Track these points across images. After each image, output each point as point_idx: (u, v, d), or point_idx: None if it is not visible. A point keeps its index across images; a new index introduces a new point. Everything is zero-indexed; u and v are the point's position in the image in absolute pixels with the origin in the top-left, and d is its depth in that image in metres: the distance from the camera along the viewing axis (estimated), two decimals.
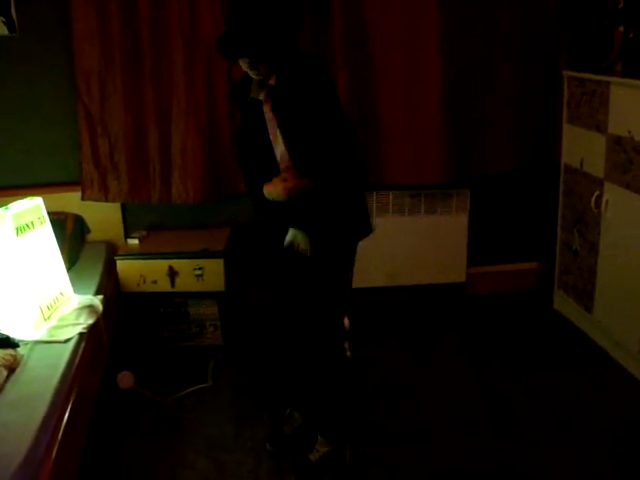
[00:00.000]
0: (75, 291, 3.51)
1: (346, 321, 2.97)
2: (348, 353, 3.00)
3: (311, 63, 2.66)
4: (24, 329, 3.10)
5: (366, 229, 2.93)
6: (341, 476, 3.03)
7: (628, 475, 2.96)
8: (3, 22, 3.98)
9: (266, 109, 2.70)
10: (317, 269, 2.83)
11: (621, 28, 3.64)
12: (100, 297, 3.54)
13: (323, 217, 2.74)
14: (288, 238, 2.89)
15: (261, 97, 2.68)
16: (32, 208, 3.31)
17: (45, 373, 2.78)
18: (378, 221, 4.44)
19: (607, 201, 3.80)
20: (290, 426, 3.31)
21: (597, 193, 3.88)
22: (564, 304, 4.41)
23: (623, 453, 3.09)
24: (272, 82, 2.61)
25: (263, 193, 2.63)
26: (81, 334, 3.17)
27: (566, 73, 4.19)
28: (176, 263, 4.03)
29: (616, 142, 3.68)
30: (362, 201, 2.91)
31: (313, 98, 2.57)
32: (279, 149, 2.74)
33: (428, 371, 3.86)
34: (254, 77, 2.63)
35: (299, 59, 2.62)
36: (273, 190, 2.58)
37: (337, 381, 2.97)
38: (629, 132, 3.56)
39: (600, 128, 3.82)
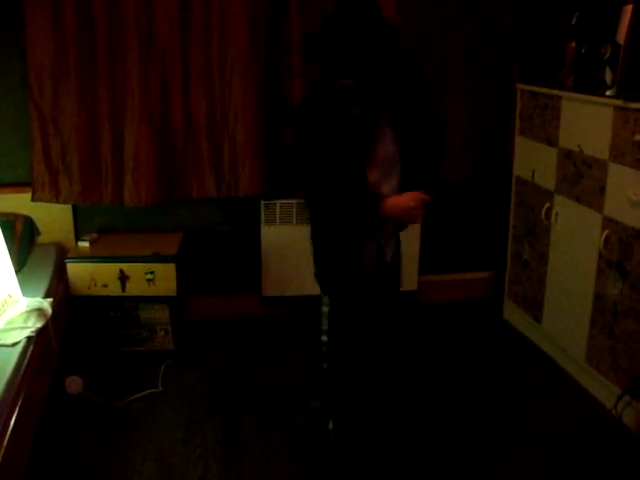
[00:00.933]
0: (24, 294, 3.45)
1: None
2: None
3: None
4: None
5: None
6: None
7: None
8: None
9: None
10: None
11: (573, 44, 3.70)
12: (49, 300, 3.49)
13: None
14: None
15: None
16: None
17: None
18: None
19: (557, 213, 3.86)
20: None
21: (547, 205, 3.94)
22: (514, 314, 4.47)
23: (569, 459, 3.15)
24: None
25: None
26: (29, 338, 3.13)
27: (520, 86, 4.25)
28: (127, 267, 3.99)
29: (566, 156, 3.75)
30: None
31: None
32: (388, 148, 2.81)
33: None
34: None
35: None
36: (408, 215, 2.79)
37: None
38: (579, 146, 3.62)
39: (551, 141, 3.89)
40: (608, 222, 3.45)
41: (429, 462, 3.14)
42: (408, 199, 2.75)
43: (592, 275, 3.57)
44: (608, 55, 3.41)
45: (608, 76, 3.43)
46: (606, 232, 3.45)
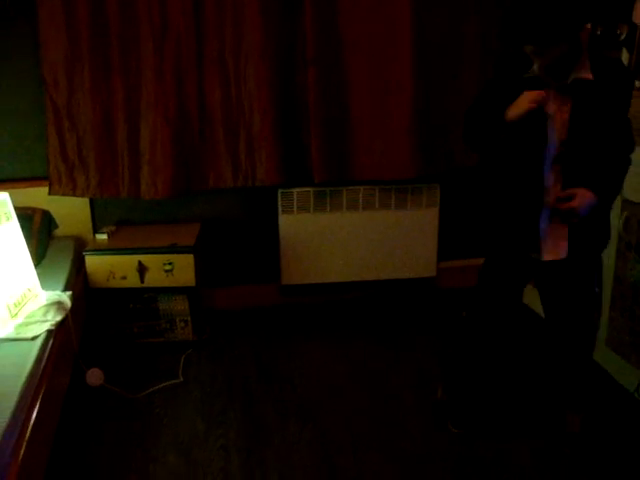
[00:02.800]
0: (43, 287, 3.47)
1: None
2: None
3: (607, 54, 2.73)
4: None
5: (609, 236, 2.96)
6: None
7: None
8: None
9: (553, 97, 2.68)
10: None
11: (588, 25, 3.64)
12: (69, 293, 3.50)
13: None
14: None
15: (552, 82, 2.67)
16: None
17: (12, 371, 2.74)
18: (349, 216, 4.46)
19: None
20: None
21: None
22: (533, 298, 4.43)
23: (591, 442, 3.13)
24: (585, 75, 2.62)
25: None
26: (49, 331, 3.13)
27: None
28: (145, 258, 4.00)
29: None
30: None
31: (627, 93, 2.70)
32: (554, 135, 2.73)
33: (400, 365, 3.88)
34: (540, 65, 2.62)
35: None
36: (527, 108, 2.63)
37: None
38: None
39: None
40: (628, 204, 3.41)
41: (448, 448, 3.15)
42: (525, 98, 2.64)
43: (612, 257, 3.54)
44: (624, 36, 3.37)
45: (625, 57, 3.39)
46: (625, 214, 3.42)
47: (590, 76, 2.61)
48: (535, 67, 2.63)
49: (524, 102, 2.62)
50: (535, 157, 2.74)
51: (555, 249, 2.84)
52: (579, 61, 2.61)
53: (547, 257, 2.86)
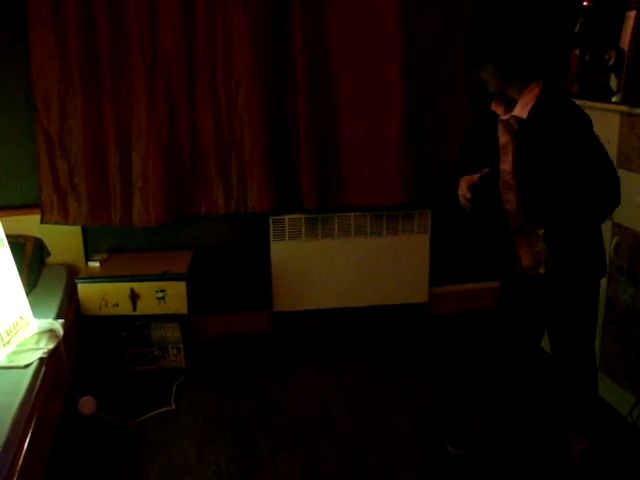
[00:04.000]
0: (35, 315, 3.46)
1: None
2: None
3: (565, 96, 2.70)
4: None
5: (602, 269, 2.95)
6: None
7: None
8: None
9: (501, 129, 2.79)
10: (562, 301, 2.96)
11: (577, 51, 3.70)
12: (61, 321, 3.50)
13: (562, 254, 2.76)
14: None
15: (501, 115, 2.77)
16: None
17: (4, 400, 2.73)
18: (340, 243, 4.47)
19: None
20: (476, 429, 3.34)
21: None
22: None
23: (585, 467, 3.13)
24: (519, 113, 2.67)
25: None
26: (41, 359, 3.12)
27: None
28: (138, 286, 4.00)
29: None
30: (599, 240, 2.90)
31: (568, 140, 2.60)
32: (505, 168, 2.82)
33: (392, 391, 3.87)
34: (490, 90, 2.75)
35: (550, 90, 2.66)
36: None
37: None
38: None
39: None
40: (618, 228, 3.43)
41: (442, 473, 3.13)
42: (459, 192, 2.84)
43: (603, 282, 3.56)
44: (612, 61, 3.41)
45: (613, 82, 3.43)
46: (616, 239, 3.44)
47: (523, 115, 2.66)
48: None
49: (460, 196, 2.84)
50: (493, 184, 2.87)
51: (529, 258, 2.92)
52: (524, 98, 2.66)
53: (525, 262, 2.93)
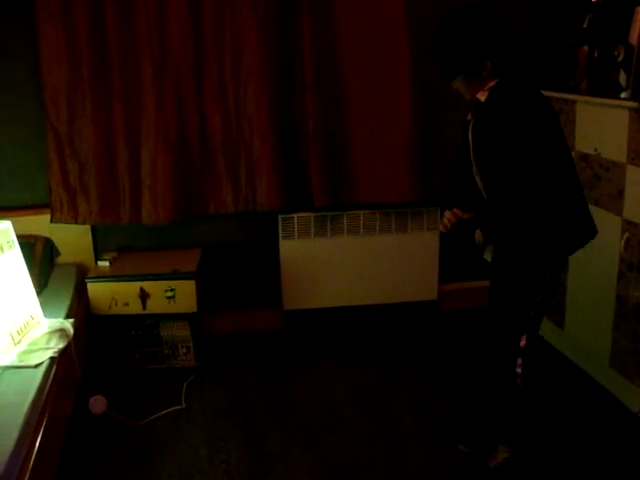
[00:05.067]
0: (45, 315, 3.47)
1: (522, 340, 2.97)
2: (519, 370, 3.00)
3: (519, 87, 2.72)
4: None
5: (550, 259, 2.90)
6: None
7: None
8: None
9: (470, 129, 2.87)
10: (499, 284, 3.00)
11: (586, 47, 3.69)
12: (71, 321, 3.50)
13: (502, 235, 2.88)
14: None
15: (468, 117, 2.87)
16: (1, 232, 3.28)
17: (15, 399, 2.74)
18: (350, 241, 4.46)
19: None
20: (486, 426, 3.33)
21: None
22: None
23: (595, 464, 3.12)
24: (480, 96, 2.76)
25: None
26: (52, 359, 3.13)
27: None
28: (147, 285, 4.01)
29: (583, 159, 3.73)
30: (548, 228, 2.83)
31: (505, 127, 2.64)
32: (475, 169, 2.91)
33: (402, 389, 3.87)
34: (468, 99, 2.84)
35: (508, 83, 2.71)
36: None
37: (503, 393, 3.08)
38: (595, 149, 3.61)
39: None
40: (628, 225, 3.42)
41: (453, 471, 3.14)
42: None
43: (613, 278, 3.55)
44: (622, 57, 3.40)
45: (622, 78, 3.42)
46: (626, 235, 3.43)
47: (482, 98, 2.74)
48: None
49: (444, 217, 2.90)
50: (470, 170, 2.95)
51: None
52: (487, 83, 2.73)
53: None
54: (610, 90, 3.50)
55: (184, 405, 3.75)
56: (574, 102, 3.77)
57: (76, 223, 4.18)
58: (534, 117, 2.64)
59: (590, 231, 2.90)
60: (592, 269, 3.75)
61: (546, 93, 4.02)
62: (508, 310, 2.95)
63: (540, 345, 4.26)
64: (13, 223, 3.40)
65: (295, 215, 4.41)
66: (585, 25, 3.72)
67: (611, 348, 3.63)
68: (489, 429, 3.29)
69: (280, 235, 4.43)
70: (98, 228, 4.36)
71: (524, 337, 2.95)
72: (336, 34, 4.14)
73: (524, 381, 3.01)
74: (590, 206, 3.63)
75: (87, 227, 4.30)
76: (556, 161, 2.71)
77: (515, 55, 2.75)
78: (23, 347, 3.18)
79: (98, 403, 3.62)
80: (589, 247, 3.68)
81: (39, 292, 3.64)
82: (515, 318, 2.94)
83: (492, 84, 2.71)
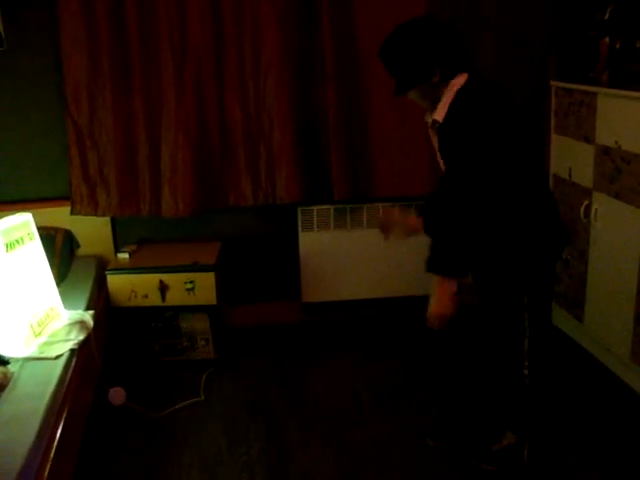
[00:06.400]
0: (65, 306, 3.49)
1: (526, 344, 2.97)
2: (526, 372, 2.99)
3: (480, 94, 2.71)
4: (14, 346, 3.08)
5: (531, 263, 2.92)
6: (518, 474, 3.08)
7: None
8: None
9: (431, 132, 2.89)
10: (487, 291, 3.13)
11: (607, 39, 3.66)
12: (91, 312, 3.52)
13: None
14: None
15: (427, 119, 2.87)
16: (21, 224, 3.30)
17: (36, 390, 2.76)
18: (369, 234, 4.44)
19: (596, 210, 3.81)
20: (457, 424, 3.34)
21: (586, 202, 3.89)
22: (555, 313, 4.41)
23: (616, 459, 3.11)
24: (436, 116, 2.75)
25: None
26: (72, 350, 3.15)
27: (554, 83, 4.21)
28: (167, 277, 4.02)
29: (604, 152, 3.70)
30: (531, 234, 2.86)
31: (454, 135, 2.69)
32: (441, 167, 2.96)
33: (422, 382, 3.87)
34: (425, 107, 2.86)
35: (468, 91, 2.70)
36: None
37: (511, 393, 3.08)
38: (616, 142, 3.58)
39: (588, 138, 3.84)
40: None
41: None
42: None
43: (634, 272, 3.52)
44: None
45: None
46: None
47: (439, 118, 2.74)
48: None
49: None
50: None
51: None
52: (445, 96, 2.72)
53: None
54: (631, 82, 3.48)
55: (203, 397, 3.76)
56: (595, 94, 3.73)
57: (96, 215, 4.19)
58: (490, 139, 2.63)
59: (562, 240, 2.93)
60: (612, 262, 3.73)
61: (566, 85, 4.03)
62: (497, 328, 3.06)
63: (559, 339, 4.26)
64: (33, 215, 3.43)
65: (315, 207, 4.41)
66: (606, 17, 3.69)
67: (632, 342, 3.60)
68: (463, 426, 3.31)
69: (299, 227, 4.43)
70: (118, 220, 4.38)
71: (526, 340, 2.95)
72: (356, 24, 4.12)
73: (532, 380, 2.99)
74: (610, 199, 3.64)
75: (107, 219, 4.32)
76: (514, 175, 2.71)
77: (464, 56, 2.76)
78: (43, 339, 3.20)
79: (117, 395, 3.64)
80: (609, 240, 3.67)
81: (59, 284, 3.66)
82: (508, 330, 2.99)
83: (454, 89, 2.70)
